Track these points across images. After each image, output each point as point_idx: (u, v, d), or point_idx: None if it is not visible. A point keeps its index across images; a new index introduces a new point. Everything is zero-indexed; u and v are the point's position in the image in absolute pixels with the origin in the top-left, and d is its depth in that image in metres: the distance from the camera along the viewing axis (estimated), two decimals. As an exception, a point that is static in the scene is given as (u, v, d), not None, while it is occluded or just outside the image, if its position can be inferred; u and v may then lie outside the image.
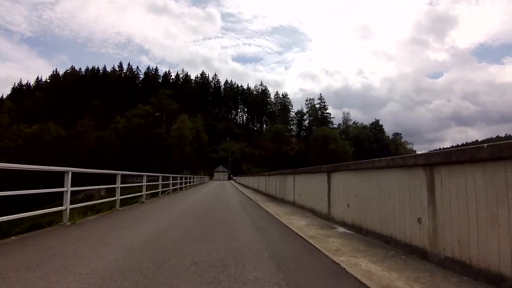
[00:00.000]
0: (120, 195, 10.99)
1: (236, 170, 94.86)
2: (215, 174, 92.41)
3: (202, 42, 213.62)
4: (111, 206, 11.49)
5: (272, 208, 11.74)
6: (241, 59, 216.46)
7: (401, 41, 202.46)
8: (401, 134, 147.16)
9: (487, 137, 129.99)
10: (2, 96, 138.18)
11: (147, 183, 14.79)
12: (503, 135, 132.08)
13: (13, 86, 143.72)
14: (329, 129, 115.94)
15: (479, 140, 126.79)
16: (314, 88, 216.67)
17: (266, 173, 19.95)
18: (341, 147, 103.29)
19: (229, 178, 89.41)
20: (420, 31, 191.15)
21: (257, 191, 25.15)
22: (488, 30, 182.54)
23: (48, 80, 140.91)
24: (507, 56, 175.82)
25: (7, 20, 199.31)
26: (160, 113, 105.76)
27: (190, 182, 34.84)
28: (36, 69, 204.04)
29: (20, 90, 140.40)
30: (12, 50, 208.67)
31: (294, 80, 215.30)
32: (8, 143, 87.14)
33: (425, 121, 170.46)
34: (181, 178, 27.72)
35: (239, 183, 51.00)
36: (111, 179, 11.17)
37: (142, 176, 14.83)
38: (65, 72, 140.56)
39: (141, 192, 14.00)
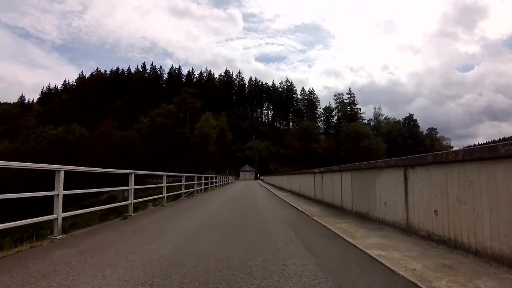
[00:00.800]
0: (136, 198, 9.80)
1: (262, 170, 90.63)
2: (241, 174, 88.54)
3: (224, 43, 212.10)
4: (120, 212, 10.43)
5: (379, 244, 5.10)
6: (264, 58, 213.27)
7: (428, 34, 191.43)
8: (436, 129, 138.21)
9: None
10: (32, 101, 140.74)
11: (168, 184, 13.24)
12: None
13: (41, 90, 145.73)
14: (360, 124, 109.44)
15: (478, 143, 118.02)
16: (339, 85, 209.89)
17: (316, 170, 14.61)
18: (373, 144, 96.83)
19: (256, 178, 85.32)
20: (447, 22, 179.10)
21: (296, 194, 19.91)
22: None
23: (75, 83, 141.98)
24: None
25: (38, 29, 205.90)
26: (183, 113, 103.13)
27: (214, 183, 31.44)
28: (65, 75, 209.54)
29: (48, 94, 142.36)
30: (44, 58, 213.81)
31: (317, 78, 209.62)
32: (34, 145, 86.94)
33: (456, 117, 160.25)
34: (205, 178, 25.76)
35: (267, 183, 46.71)
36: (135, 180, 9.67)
37: (162, 176, 13.45)
38: (91, 75, 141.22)
39: (161, 193, 12.69)
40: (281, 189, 27.90)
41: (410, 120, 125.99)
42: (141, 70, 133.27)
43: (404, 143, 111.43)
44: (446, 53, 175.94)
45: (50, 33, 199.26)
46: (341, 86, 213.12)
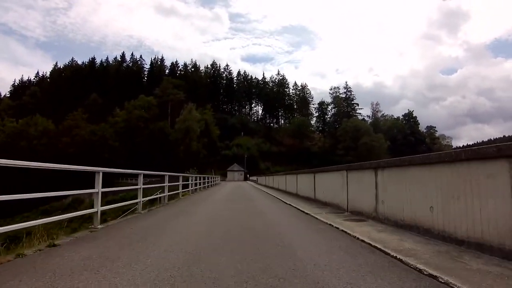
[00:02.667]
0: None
1: (252, 169, 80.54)
2: (229, 174, 78.36)
3: (211, 43, 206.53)
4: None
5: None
6: (251, 59, 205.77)
7: (413, 37, 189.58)
8: (435, 127, 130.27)
9: (504, 135, 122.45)
10: (5, 95, 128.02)
11: (145, 186, 11.23)
12: None
13: (13, 83, 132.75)
14: (360, 120, 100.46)
15: (493, 138, 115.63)
16: (324, 87, 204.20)
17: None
18: (375, 141, 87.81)
19: (245, 178, 75.27)
20: (431, 26, 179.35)
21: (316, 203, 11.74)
22: (503, 24, 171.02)
23: (49, 75, 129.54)
24: None
25: (22, 25, 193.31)
26: (164, 105, 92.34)
27: (196, 185, 24.06)
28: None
29: (22, 87, 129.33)
30: (27, 55, 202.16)
31: (304, 79, 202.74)
32: (-11, 139, 75.18)
33: (440, 118, 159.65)
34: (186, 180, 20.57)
35: (262, 184, 36.80)
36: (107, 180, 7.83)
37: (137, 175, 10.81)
38: (65, 66, 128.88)
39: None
40: (292, 195, 17.92)
41: (410, 117, 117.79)
42: (120, 60, 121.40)
43: (406, 141, 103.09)
44: (430, 56, 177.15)
45: (34, 30, 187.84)
46: (327, 87, 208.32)
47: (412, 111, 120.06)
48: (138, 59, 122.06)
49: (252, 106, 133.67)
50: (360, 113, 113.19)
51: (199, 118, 79.18)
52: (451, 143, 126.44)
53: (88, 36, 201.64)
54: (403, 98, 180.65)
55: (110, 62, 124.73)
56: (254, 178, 51.96)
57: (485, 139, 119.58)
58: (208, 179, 32.07)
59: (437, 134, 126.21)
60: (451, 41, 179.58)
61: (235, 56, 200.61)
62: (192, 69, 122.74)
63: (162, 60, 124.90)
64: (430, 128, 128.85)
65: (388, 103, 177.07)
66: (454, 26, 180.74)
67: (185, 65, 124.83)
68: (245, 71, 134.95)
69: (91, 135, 77.15)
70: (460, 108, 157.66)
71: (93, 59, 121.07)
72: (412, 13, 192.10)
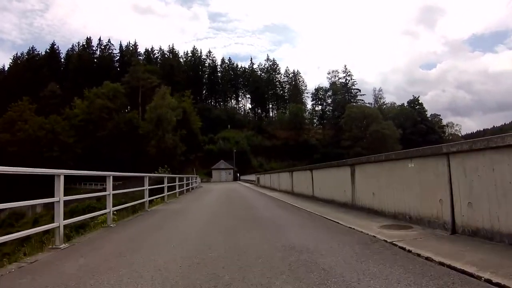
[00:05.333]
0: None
1: (243, 167, 65.95)
2: (214, 173, 63.52)
3: (193, 42, 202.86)
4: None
5: None
6: (234, 58, 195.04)
7: (392, 32, 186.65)
8: (440, 115, 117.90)
9: (484, 128, 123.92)
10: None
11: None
12: (499, 125, 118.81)
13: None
14: (367, 106, 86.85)
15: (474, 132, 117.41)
16: (308, 85, 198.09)
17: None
18: (386, 129, 74.31)
19: (235, 178, 60.57)
20: (410, 21, 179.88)
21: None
22: (480, 18, 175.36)
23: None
24: (500, 44, 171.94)
25: None
26: (135, 94, 76.76)
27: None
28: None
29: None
30: (2, 58, 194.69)
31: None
32: None
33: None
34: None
35: (268, 187, 22.22)
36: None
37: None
38: (26, 55, 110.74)
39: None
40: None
41: (416, 104, 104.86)
42: (83, 45, 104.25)
43: (416, 129, 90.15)
44: (409, 52, 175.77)
45: (9, 33, 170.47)
46: (310, 85, 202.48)
47: (418, 97, 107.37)
48: (106, 43, 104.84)
49: (239, 97, 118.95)
50: (363, 100, 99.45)
51: (175, 106, 63.92)
52: (460, 131, 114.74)
53: (66, 38, 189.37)
54: (385, 93, 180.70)
55: (76, 50, 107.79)
56: (251, 177, 37.01)
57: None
58: (185, 180, 17.62)
59: (445, 122, 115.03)
60: (430, 36, 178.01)
61: (217, 55, 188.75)
62: (169, 54, 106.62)
63: (135, 46, 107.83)
64: (435, 116, 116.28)
65: (370, 98, 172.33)
66: (432, 22, 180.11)
67: (161, 50, 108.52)
68: (230, 58, 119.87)
69: (39, 129, 61.05)
70: (441, 102, 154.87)
71: (53, 44, 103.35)
72: (391, 9, 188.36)
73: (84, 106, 72.30)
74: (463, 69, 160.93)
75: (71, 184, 60.13)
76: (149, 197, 10.71)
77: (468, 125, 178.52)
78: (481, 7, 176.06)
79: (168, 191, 13.97)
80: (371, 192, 7.08)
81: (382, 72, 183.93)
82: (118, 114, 68.69)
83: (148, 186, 10.92)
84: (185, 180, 18.52)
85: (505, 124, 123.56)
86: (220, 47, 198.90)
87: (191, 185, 22.67)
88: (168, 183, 14.18)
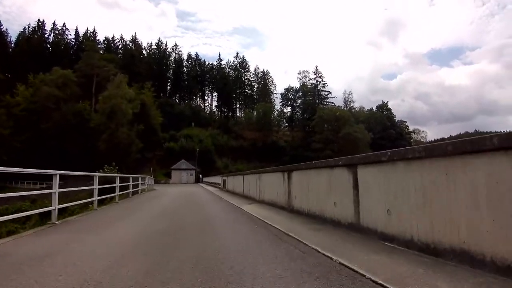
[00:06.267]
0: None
1: (207, 168, 60.41)
2: (174, 174, 57.38)
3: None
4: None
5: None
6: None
7: (358, 43, 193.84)
8: (406, 122, 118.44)
9: (439, 137, 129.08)
10: None
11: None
12: (455, 135, 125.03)
13: None
14: (338, 108, 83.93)
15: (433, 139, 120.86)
16: (276, 88, 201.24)
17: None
18: (358, 132, 71.60)
19: (197, 180, 54.90)
20: (375, 33, 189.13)
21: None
22: (439, 34, 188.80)
23: None
24: (456, 59, 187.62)
25: None
26: (89, 83, 68.85)
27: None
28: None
29: None
30: None
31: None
32: None
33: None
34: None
35: (233, 192, 17.19)
36: None
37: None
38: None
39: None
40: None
41: (384, 109, 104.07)
42: (36, 29, 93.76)
43: (386, 134, 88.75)
44: (373, 61, 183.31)
45: None
46: (278, 88, 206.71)
47: (387, 102, 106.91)
48: (61, 28, 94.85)
49: (206, 96, 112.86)
50: (332, 102, 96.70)
51: (132, 97, 57.12)
52: (426, 137, 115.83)
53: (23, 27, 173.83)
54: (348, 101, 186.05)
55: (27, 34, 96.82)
56: (216, 179, 31.56)
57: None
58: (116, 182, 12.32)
59: (411, 128, 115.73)
60: (392, 48, 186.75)
61: (184, 53, 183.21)
62: (131, 44, 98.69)
63: (94, 33, 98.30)
64: (401, 123, 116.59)
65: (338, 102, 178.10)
66: (395, 35, 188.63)
67: (122, 39, 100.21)
68: (197, 53, 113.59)
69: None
70: (400, 111, 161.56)
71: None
72: (358, 21, 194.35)
73: (28, 94, 63.71)
74: (421, 81, 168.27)
75: (5, 182, 52.12)
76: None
77: (425, 134, 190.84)
78: (440, 23, 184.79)
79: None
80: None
81: (346, 80, 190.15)
82: (67, 105, 60.64)
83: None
84: (117, 181, 13.03)
85: (460, 133, 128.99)
86: (188, 47, 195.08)
87: (131, 188, 17.14)
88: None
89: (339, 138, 70.37)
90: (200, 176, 54.93)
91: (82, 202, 9.90)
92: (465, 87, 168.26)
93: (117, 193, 12.80)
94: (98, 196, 10.19)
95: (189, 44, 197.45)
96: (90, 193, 11.42)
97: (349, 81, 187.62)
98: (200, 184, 45.05)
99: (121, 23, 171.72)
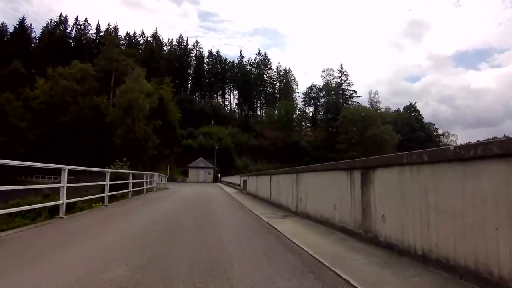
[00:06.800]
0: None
1: (225, 166, 57.81)
2: (191, 172, 54.86)
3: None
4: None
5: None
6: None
7: (380, 44, 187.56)
8: (434, 124, 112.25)
9: (466, 142, 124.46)
10: None
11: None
12: (482, 140, 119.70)
13: None
14: (365, 108, 79.73)
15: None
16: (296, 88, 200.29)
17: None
18: (385, 133, 67.47)
19: (215, 179, 52.30)
20: (398, 34, 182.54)
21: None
22: (465, 36, 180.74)
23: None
24: (483, 62, 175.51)
25: None
26: (108, 78, 67.50)
27: None
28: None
29: None
30: None
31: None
32: None
33: None
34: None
35: (259, 198, 14.21)
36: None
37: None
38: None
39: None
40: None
41: (412, 110, 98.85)
42: (58, 23, 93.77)
43: (414, 136, 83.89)
44: (394, 63, 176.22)
45: None
46: (299, 87, 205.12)
47: (415, 103, 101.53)
48: (82, 23, 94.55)
49: (226, 94, 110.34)
50: (357, 102, 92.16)
51: (150, 91, 55.10)
52: (456, 141, 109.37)
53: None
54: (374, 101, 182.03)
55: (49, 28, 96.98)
56: (235, 179, 28.55)
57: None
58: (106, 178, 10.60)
59: (439, 131, 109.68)
60: (415, 50, 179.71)
61: (205, 50, 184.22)
62: (151, 40, 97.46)
63: (116, 28, 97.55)
64: (429, 125, 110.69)
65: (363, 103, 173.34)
66: (418, 36, 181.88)
67: (143, 35, 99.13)
68: (218, 50, 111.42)
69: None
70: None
71: (22, 19, 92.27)
72: (380, 22, 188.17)
73: (47, 88, 62.90)
74: (446, 83, 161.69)
75: (19, 176, 51.03)
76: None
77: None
78: (467, 25, 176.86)
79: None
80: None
81: (366, 82, 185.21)
82: (84, 99, 59.30)
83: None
84: (107, 179, 10.33)
85: (488, 138, 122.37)
86: (209, 47, 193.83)
87: (130, 187, 14.44)
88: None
89: (365, 139, 66.35)
90: (219, 175, 52.28)
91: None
92: (491, 90, 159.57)
93: (107, 193, 10.10)
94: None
95: (211, 44, 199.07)
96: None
97: (370, 83, 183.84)
98: (218, 183, 42.39)
99: (144, 23, 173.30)
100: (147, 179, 17.62)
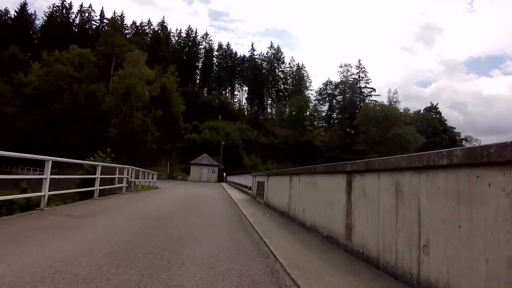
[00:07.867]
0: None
1: (232, 165, 52.11)
2: (193, 170, 49.04)
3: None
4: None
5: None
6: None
7: (391, 47, 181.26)
8: (454, 128, 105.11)
9: None
10: None
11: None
12: None
13: None
14: (386, 105, 73.27)
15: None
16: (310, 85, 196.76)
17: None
18: (409, 134, 61.18)
19: (220, 179, 46.55)
20: (409, 38, 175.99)
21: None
22: (478, 42, 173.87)
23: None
24: (496, 69, 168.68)
25: None
26: (109, 64, 62.23)
27: None
28: None
29: None
30: None
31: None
32: None
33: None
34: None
35: (285, 213, 8.27)
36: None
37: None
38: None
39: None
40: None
41: (433, 112, 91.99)
42: (60, 8, 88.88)
43: (438, 139, 77.41)
44: (405, 67, 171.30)
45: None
46: (312, 85, 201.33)
47: (437, 104, 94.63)
48: (87, 9, 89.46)
49: (235, 90, 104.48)
50: (376, 101, 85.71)
51: (151, 78, 49.61)
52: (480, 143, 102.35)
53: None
54: (394, 101, 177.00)
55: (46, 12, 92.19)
56: (243, 179, 22.54)
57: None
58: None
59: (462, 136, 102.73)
60: (427, 55, 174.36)
61: (214, 44, 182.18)
62: (157, 29, 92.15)
63: (122, 17, 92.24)
64: (451, 128, 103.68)
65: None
66: (430, 41, 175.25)
67: (149, 23, 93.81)
68: (228, 43, 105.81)
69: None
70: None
71: (24, 4, 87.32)
72: (392, 25, 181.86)
73: (42, 73, 57.92)
74: (457, 89, 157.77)
75: (4, 167, 46.11)
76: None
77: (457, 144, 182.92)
78: (481, 31, 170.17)
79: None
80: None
81: (377, 85, 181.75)
82: (80, 85, 54.06)
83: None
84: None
85: None
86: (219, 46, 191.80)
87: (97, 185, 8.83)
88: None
89: (387, 139, 60.09)
90: (224, 174, 46.51)
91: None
92: (504, 98, 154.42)
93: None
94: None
95: (221, 43, 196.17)
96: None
97: (380, 86, 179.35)
98: (223, 184, 36.70)
99: (153, 21, 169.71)
100: (125, 175, 12.12)
